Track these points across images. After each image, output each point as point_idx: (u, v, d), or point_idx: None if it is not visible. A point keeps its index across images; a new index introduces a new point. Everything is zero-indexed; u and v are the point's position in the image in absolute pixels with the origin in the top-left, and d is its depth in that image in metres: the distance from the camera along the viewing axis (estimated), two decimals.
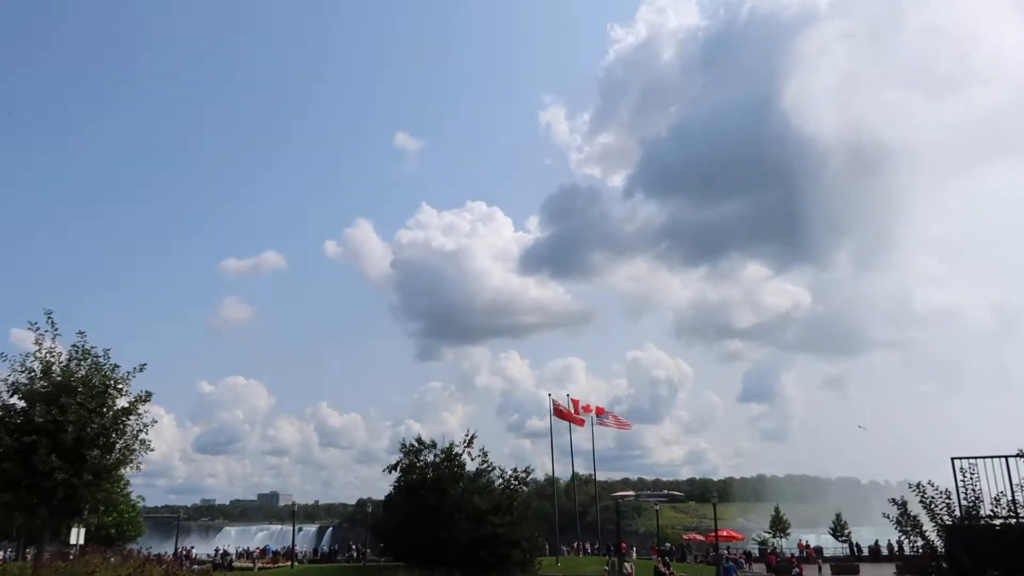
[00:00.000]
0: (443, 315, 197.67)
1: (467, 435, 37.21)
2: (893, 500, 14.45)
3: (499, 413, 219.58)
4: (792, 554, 52.01)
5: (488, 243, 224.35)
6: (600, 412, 60.26)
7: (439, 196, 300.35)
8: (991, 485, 13.58)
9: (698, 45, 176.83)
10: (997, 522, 13.31)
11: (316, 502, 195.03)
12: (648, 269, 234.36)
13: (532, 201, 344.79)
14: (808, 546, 54.68)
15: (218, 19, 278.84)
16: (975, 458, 13.93)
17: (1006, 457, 13.73)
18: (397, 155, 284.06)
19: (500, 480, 36.66)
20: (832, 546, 57.59)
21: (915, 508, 14.63)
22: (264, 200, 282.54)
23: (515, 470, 37.24)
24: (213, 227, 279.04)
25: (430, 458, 36.68)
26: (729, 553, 46.30)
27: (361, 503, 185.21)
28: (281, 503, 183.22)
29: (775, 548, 56.60)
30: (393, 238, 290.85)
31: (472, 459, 36.79)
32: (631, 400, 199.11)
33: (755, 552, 54.35)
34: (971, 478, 13.39)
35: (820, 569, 47.03)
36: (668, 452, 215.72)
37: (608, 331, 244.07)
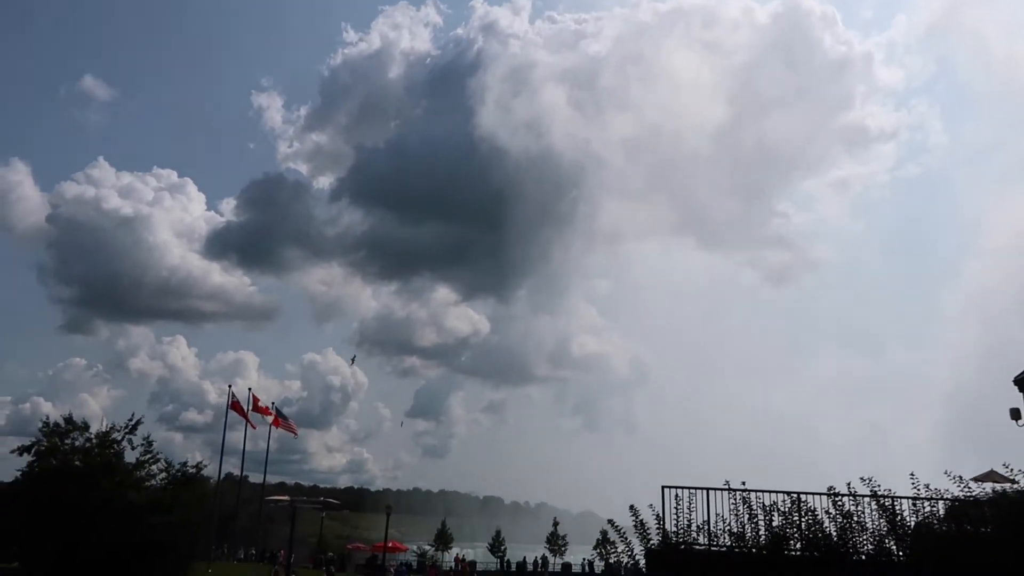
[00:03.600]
0: (104, 286, 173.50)
1: (131, 419, 32.21)
2: (611, 521, 15.02)
3: (152, 402, 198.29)
4: (450, 567, 53.64)
5: (173, 216, 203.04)
6: (273, 415, 56.88)
7: (122, 154, 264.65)
8: (697, 514, 14.75)
9: (425, 71, 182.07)
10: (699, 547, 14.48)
11: None
12: (342, 275, 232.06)
13: (230, 182, 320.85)
14: (464, 560, 56.88)
15: None
16: (683, 488, 15.06)
17: (707, 489, 15.02)
18: (81, 99, 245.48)
19: (164, 474, 32.18)
20: (485, 560, 60.67)
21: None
22: None
23: (184, 464, 33.03)
24: None
25: (79, 442, 30.94)
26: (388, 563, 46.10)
27: None
28: None
29: (435, 561, 58.00)
30: (54, 189, 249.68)
31: (133, 448, 31.85)
32: (303, 403, 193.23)
33: (414, 564, 54.98)
34: (686, 505, 14.43)
35: None
36: (330, 459, 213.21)
37: (290, 330, 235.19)
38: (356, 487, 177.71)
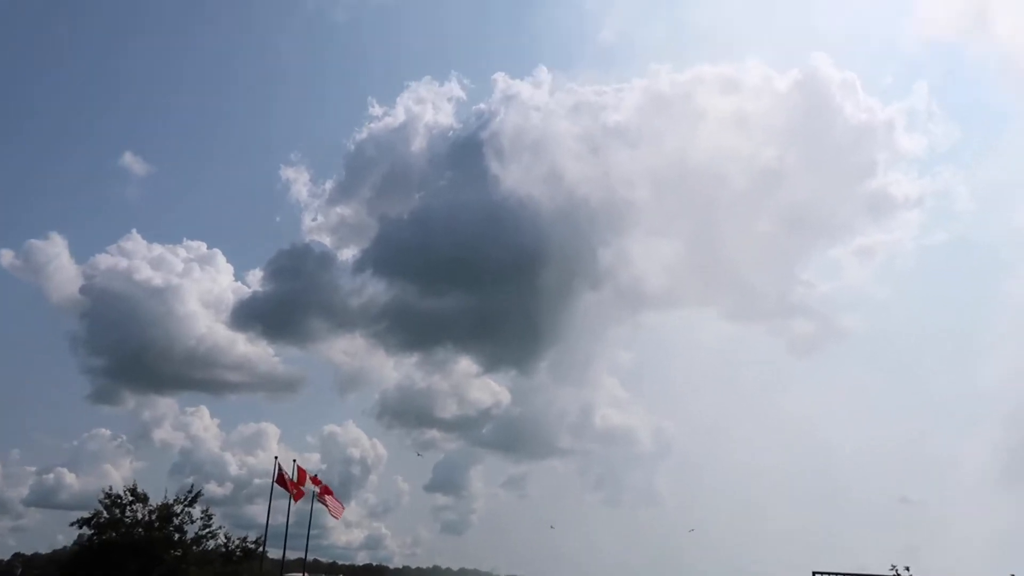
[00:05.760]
0: (134, 356, 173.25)
1: (191, 491, 31.54)
2: None
3: (173, 473, 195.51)
4: None
5: (202, 287, 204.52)
6: (322, 489, 55.47)
7: (154, 226, 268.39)
8: None
9: (448, 143, 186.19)
10: None
11: None
12: (365, 346, 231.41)
13: (257, 254, 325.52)
14: None
15: None
16: (836, 574, 14.22)
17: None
18: (120, 175, 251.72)
19: (223, 548, 31.30)
20: None
21: None
22: None
23: (243, 539, 32.14)
24: None
25: (141, 514, 30.23)
26: None
27: None
28: None
29: None
30: (88, 261, 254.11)
31: (192, 521, 31.10)
32: (322, 476, 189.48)
33: None
34: None
35: None
36: (348, 534, 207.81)
37: (311, 402, 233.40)
38: (375, 564, 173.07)
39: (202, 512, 31.56)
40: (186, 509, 31.24)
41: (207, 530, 31.38)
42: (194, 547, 30.78)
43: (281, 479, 49.73)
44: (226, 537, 31.77)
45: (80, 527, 29.86)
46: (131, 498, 30.30)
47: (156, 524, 29.94)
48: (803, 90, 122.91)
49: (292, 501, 51.06)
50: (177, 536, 30.23)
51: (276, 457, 50.13)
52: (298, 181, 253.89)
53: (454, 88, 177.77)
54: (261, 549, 32.99)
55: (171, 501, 30.72)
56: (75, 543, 30.85)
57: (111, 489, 30.47)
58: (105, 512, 30.07)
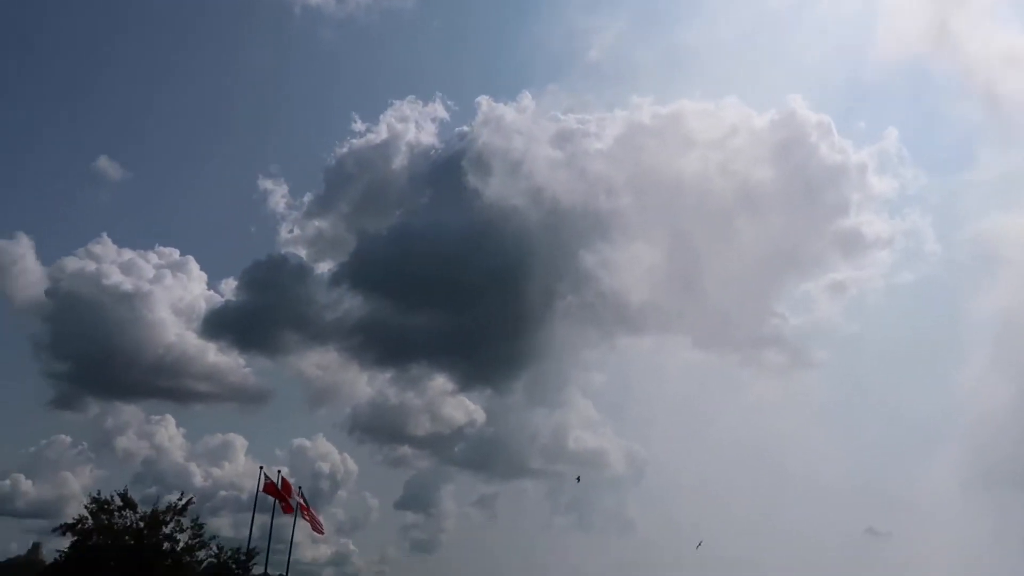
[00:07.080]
0: (99, 362, 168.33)
1: (181, 498, 30.28)
2: None
3: (135, 483, 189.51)
4: None
5: (174, 294, 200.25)
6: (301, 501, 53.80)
7: (126, 231, 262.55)
8: None
9: (429, 162, 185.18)
10: None
11: None
12: (338, 360, 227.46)
13: (231, 263, 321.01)
14: None
15: None
16: None
17: None
18: (94, 178, 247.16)
19: (214, 560, 30.00)
20: None
21: None
22: None
23: (237, 551, 30.84)
24: None
25: (128, 521, 28.87)
26: None
27: None
28: None
29: None
30: (55, 263, 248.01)
31: (183, 529, 29.79)
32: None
33: None
34: None
35: None
36: (314, 550, 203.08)
37: (281, 415, 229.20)
38: None
39: (192, 522, 30.29)
40: (176, 518, 29.89)
41: (197, 540, 30.05)
42: (186, 556, 29.45)
43: (271, 488, 48.18)
44: (218, 548, 30.49)
45: (63, 533, 28.49)
46: (120, 503, 28.95)
47: (145, 532, 28.60)
48: (780, 130, 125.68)
49: (273, 514, 49.57)
50: (167, 545, 28.88)
51: (262, 467, 48.52)
52: (276, 193, 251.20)
53: (438, 108, 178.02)
54: (253, 563, 31.78)
55: (162, 508, 29.38)
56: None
57: (99, 493, 29.14)
58: (91, 518, 28.69)
